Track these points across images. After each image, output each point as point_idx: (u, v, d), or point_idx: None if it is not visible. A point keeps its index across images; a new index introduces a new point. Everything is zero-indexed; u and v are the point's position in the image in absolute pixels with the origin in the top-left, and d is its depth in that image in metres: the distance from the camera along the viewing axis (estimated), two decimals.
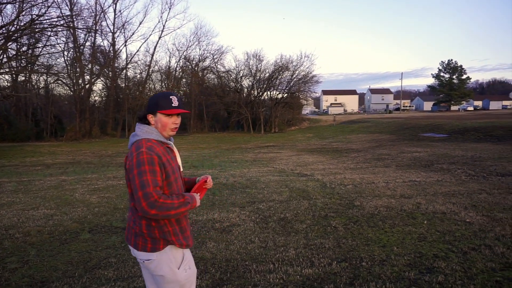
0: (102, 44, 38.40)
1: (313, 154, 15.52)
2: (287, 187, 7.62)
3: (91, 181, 9.19)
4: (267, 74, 41.10)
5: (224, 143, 26.41)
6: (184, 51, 41.85)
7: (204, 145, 24.84)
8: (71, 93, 34.33)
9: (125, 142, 28.29)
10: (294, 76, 40.84)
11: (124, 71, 38.17)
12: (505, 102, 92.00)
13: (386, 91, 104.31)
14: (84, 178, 9.63)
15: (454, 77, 76.62)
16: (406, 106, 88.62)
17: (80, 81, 33.71)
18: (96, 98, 40.33)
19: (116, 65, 37.26)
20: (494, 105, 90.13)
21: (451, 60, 77.10)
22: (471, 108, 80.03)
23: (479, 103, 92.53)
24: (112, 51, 36.05)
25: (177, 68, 42.59)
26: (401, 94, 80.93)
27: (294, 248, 4.11)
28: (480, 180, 7.90)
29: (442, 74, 77.76)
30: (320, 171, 10.02)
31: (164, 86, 42.04)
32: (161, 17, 54.02)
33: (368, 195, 6.71)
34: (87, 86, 34.28)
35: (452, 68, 76.49)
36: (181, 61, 42.30)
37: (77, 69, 33.26)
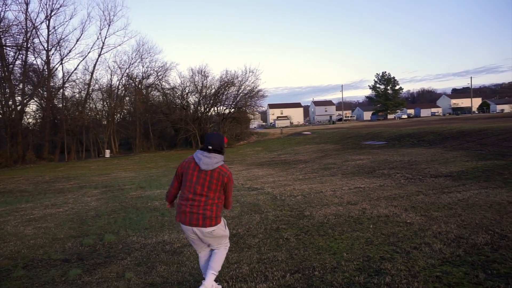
0: (35, 62, 35.85)
1: (263, 167, 15.68)
2: (238, 202, 7.58)
3: (26, 211, 8.43)
4: (213, 90, 41.03)
5: (172, 161, 25.75)
6: (126, 69, 40.49)
7: (152, 164, 24.04)
8: (0, 115, 31.58)
9: (64, 166, 26.49)
10: (240, 91, 41.23)
11: (61, 90, 36.01)
12: (433, 109, 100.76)
13: (328, 103, 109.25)
14: (17, 208, 8.81)
15: (388, 88, 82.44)
16: (348, 117, 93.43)
17: (10, 102, 31.15)
18: (30, 120, 37.53)
19: (51, 84, 35.04)
20: (425, 112, 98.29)
21: (385, 72, 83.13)
22: (405, 116, 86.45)
23: (411, 111, 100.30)
24: (46, 70, 33.89)
25: (120, 86, 41.04)
26: (342, 105, 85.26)
27: (247, 263, 4.07)
28: (417, 183, 8.48)
29: (378, 85, 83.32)
30: (270, 184, 10.12)
31: (106, 105, 40.26)
32: (100, 34, 52.01)
33: (317, 204, 6.89)
34: (18, 107, 31.76)
35: (386, 79, 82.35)
36: (123, 79, 40.84)
37: (6, 90, 30.75)
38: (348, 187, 8.50)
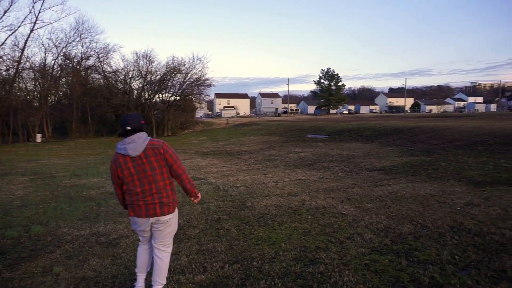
0: None
1: (207, 157, 15.55)
2: (180, 192, 7.43)
3: None
4: (158, 76, 39.72)
5: (112, 148, 24.53)
6: (63, 48, 37.51)
7: (89, 151, 22.72)
8: None
9: None
10: (187, 78, 40.36)
11: None
12: (372, 107, 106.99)
13: (275, 95, 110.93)
14: None
15: (332, 83, 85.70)
16: (293, 110, 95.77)
17: None
18: None
19: None
20: (364, 109, 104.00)
21: (330, 68, 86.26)
22: (346, 112, 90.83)
23: (352, 107, 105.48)
24: None
25: (55, 66, 37.96)
26: (288, 98, 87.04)
27: (186, 255, 4.03)
28: (353, 176, 8.97)
29: (322, 81, 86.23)
30: (213, 174, 10.08)
31: (38, 85, 37.04)
32: (33, 7, 47.16)
33: (259, 195, 7.00)
34: None
35: (330, 75, 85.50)
36: (59, 58, 37.83)
37: None
38: (290, 179, 8.74)
